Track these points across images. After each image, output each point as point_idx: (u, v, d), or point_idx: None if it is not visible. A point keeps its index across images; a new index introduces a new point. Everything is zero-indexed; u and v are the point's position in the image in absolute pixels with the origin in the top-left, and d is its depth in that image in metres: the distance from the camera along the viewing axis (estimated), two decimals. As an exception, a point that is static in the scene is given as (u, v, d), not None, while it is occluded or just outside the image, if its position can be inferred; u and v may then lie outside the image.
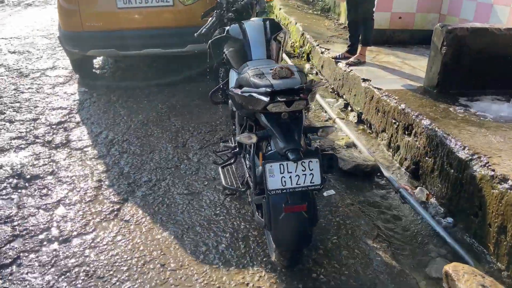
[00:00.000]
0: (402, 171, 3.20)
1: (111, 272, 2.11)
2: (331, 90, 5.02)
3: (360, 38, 4.71)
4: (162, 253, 2.25)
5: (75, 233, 2.38)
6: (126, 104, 4.17)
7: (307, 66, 5.98)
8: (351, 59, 4.70)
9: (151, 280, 2.07)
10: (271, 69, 1.83)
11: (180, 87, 4.61)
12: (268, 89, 1.68)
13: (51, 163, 3.10)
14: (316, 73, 5.67)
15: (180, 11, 4.20)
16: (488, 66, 3.49)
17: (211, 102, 2.85)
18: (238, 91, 1.85)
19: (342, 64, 4.76)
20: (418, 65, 4.65)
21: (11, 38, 6.55)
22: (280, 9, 8.67)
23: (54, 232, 2.39)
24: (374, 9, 4.51)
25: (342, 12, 7.25)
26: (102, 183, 2.89)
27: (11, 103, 4.13)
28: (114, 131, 3.62)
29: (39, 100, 4.20)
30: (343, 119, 4.25)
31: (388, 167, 3.27)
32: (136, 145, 3.40)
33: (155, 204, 2.67)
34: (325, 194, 2.75)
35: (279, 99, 1.65)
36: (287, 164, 1.71)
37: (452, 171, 2.59)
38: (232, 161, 2.33)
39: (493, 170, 2.29)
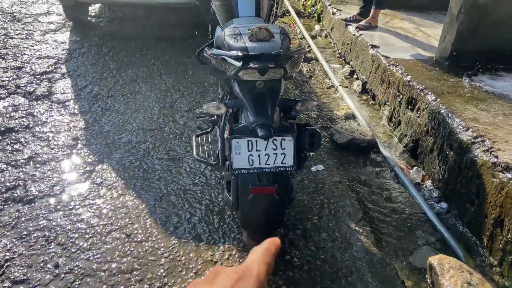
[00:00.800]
0: (400, 148, 2.99)
1: (73, 240, 1.99)
2: (338, 55, 4.71)
3: (373, -1, 4.34)
4: (130, 222, 2.11)
5: (41, 194, 2.25)
6: (117, 57, 3.94)
7: (317, 27, 5.62)
8: (362, 23, 4.37)
9: (113, 251, 1.94)
10: (249, 29, 1.59)
11: (177, 42, 4.35)
12: (240, 53, 1.45)
13: (28, 116, 2.94)
14: (326, 36, 5.33)
15: (178, -41, 3.87)
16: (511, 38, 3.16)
17: (198, 61, 2.61)
18: (209, 52, 1.62)
19: (351, 28, 4.43)
20: (433, 33, 4.30)
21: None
22: (294, -37, 8.13)
23: (20, 191, 2.26)
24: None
25: (360, -30, 6.73)
26: (79, 141, 2.73)
27: (-2, 49, 3.93)
28: (100, 85, 3.42)
29: (27, 47, 3.99)
30: (346, 87, 3.99)
31: (386, 143, 3.05)
32: (121, 103, 3.21)
33: (131, 168, 2.52)
34: (313, 169, 2.57)
35: (251, 65, 1.43)
36: (256, 141, 1.51)
37: (452, 153, 2.37)
38: (209, 130, 2.13)
39: (496, 157, 2.07)
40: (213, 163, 1.79)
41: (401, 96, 3.09)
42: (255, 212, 1.66)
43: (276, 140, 1.51)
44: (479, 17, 3.09)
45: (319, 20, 5.82)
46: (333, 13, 5.16)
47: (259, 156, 1.51)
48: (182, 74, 3.71)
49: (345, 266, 1.92)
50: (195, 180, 2.45)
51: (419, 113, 2.80)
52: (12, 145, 2.63)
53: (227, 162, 1.64)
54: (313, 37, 5.30)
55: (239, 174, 1.53)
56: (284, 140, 1.52)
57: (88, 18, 4.77)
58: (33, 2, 5.29)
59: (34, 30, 4.41)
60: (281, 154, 1.52)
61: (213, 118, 2.02)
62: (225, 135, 1.57)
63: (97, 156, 2.60)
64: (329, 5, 5.43)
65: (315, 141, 1.66)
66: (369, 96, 3.75)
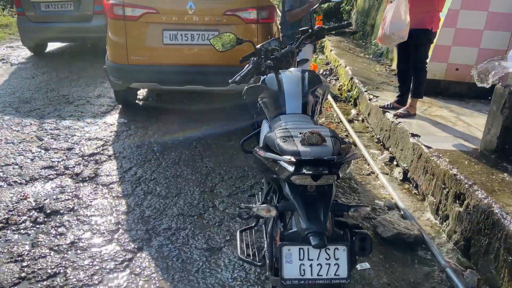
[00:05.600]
0: (450, 246, 2.82)
1: (108, 337, 1.91)
2: (376, 140, 4.71)
3: (411, 89, 4.41)
4: (166, 319, 2.03)
5: (80, 283, 2.22)
6: (161, 139, 4.09)
7: (353, 111, 5.72)
8: (400, 110, 4.40)
9: None
10: (300, 133, 1.61)
11: (218, 125, 4.50)
12: (293, 159, 1.45)
13: (74, 199, 3.01)
14: (362, 120, 5.39)
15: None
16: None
17: (242, 151, 2.67)
18: (261, 154, 1.64)
19: (390, 115, 4.46)
20: (474, 123, 4.27)
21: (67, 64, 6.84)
22: (331, 50, 8.54)
23: (60, 279, 2.24)
24: (427, 60, 4.22)
25: (394, 57, 6.98)
26: (120, 226, 2.74)
27: (51, 129, 4.18)
28: (143, 168, 3.52)
29: (77, 129, 4.23)
30: (387, 174, 3.92)
31: (434, 239, 2.89)
32: (163, 186, 3.26)
33: (170, 258, 2.47)
34: (358, 267, 2.44)
35: (304, 171, 1.43)
36: (308, 249, 1.46)
37: (511, 259, 2.20)
38: (254, 225, 2.10)
39: None
40: (259, 264, 1.73)
41: (448, 189, 2.99)
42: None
43: (329, 249, 1.46)
44: (525, 111, 3.06)
45: (355, 105, 5.94)
46: (370, 99, 5.26)
47: (311, 266, 1.45)
48: (222, 158, 3.78)
49: None
50: (234, 274, 2.37)
51: (469, 209, 2.68)
52: (56, 228, 2.68)
53: (269, 263, 1.57)
54: (350, 121, 5.37)
55: (290, 285, 1.46)
56: (338, 249, 1.46)
57: (136, 101, 5.07)
58: (87, 85, 5.72)
59: (85, 112, 4.71)
60: (334, 265, 1.45)
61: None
62: (272, 238, 1.53)
63: (137, 243, 2.59)
64: (366, 91, 5.56)
65: (366, 246, 1.59)
66: (411, 185, 3.65)
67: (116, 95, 4.81)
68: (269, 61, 2.47)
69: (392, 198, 3.41)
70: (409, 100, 4.45)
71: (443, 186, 3.05)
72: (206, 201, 3.09)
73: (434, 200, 3.17)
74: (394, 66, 6.95)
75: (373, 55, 8.13)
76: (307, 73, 2.27)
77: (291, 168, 1.45)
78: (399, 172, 3.89)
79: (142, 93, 5.43)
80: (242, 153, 3.86)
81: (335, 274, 1.45)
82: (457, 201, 2.85)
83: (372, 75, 6.46)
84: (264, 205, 1.57)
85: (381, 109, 4.69)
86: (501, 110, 3.13)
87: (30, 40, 7.23)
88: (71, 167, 3.46)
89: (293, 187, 1.55)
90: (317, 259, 1.45)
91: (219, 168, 3.59)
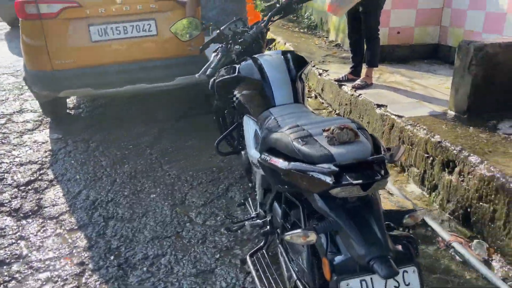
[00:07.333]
0: (445, 217, 2.70)
1: None
2: (336, 116, 4.54)
3: (364, 58, 4.27)
4: None
5: None
6: (108, 152, 3.57)
7: (303, 89, 5.51)
8: (357, 82, 4.25)
9: None
10: (323, 129, 1.29)
11: (169, 125, 4.05)
12: (334, 167, 1.14)
13: (19, 242, 2.47)
14: (315, 97, 5.21)
15: (165, 41, 3.67)
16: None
17: (217, 153, 2.31)
18: (282, 164, 1.29)
19: (347, 88, 4.30)
20: (428, 84, 4.24)
21: (-29, 78, 5.87)
22: (264, 28, 8.24)
23: None
24: (379, 26, 4.07)
25: (331, 29, 6.87)
26: (85, 266, 2.28)
27: (-30, 160, 3.48)
28: (95, 189, 3.01)
29: (4, 154, 3.56)
30: (357, 150, 3.76)
31: (427, 212, 2.77)
32: (125, 207, 2.80)
33: (157, 294, 2.08)
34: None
35: (351, 180, 1.12)
36: (371, 279, 1.17)
37: (525, 223, 2.11)
38: (263, 244, 1.77)
39: None
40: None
41: (432, 158, 2.86)
42: None
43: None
44: (493, 67, 3.00)
45: (303, 82, 5.73)
46: (320, 74, 5.08)
47: (378, 299, 1.16)
48: (184, 161, 3.37)
49: None
50: (237, 298, 2.04)
51: (463, 176, 2.56)
52: (5, 284, 2.15)
53: None
54: (302, 100, 5.16)
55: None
56: (407, 272, 1.19)
57: (67, 111, 4.43)
58: (2, 100, 4.91)
59: (9, 133, 4.00)
60: (406, 292, 1.18)
61: (265, 230, 1.67)
62: (313, 267, 1.22)
63: (111, 285, 2.15)
64: (313, 66, 5.36)
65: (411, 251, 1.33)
66: (386, 158, 3.52)
67: (43, 108, 4.15)
68: (237, 46, 2.10)
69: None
70: (364, 70, 4.31)
71: (426, 155, 2.93)
72: (180, 216, 2.69)
73: (417, 171, 3.05)
74: (332, 37, 6.85)
75: (307, 29, 7.97)
76: (288, 54, 1.95)
77: (329, 179, 1.13)
78: (369, 146, 3.75)
79: (72, 100, 4.76)
80: (206, 152, 3.49)
81: (408, 304, 1.18)
82: (446, 169, 2.74)
83: (313, 49, 6.29)
84: (299, 230, 1.24)
85: (337, 83, 4.51)
86: (468, 68, 3.05)
87: (8, 15, 9.04)
88: (7, 202, 2.86)
89: (328, 200, 1.24)
90: (385, 288, 1.17)
91: (185, 174, 3.18)
